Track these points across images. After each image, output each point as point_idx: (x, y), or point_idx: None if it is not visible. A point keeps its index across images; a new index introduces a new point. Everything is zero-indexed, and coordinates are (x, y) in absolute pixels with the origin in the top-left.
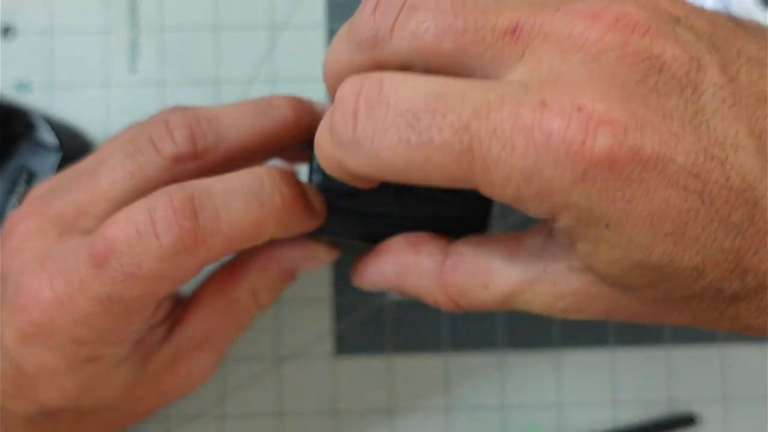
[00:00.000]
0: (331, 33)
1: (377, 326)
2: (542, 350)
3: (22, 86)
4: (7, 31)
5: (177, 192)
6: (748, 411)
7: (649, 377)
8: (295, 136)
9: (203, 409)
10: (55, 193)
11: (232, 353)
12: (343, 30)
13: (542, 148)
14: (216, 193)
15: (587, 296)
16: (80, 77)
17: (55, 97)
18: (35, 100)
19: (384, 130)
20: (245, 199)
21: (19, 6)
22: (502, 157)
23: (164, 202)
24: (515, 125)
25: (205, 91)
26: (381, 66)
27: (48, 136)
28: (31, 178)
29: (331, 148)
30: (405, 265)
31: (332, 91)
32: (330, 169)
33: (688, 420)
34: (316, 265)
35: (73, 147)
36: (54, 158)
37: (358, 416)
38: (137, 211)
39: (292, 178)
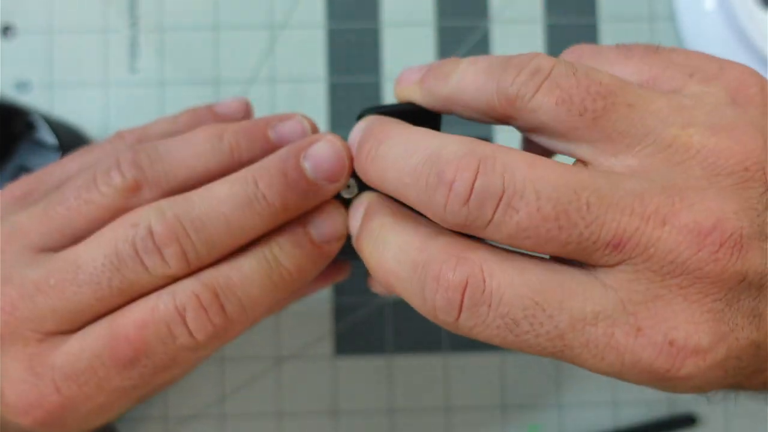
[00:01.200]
0: (331, 33)
1: (377, 326)
2: None
3: (22, 86)
4: (6, 30)
5: (202, 291)
6: (748, 411)
7: None
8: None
9: (203, 409)
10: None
11: (232, 353)
12: (423, 189)
13: (629, 366)
14: (236, 284)
15: None
16: (80, 77)
17: (55, 97)
18: (35, 100)
19: (484, 327)
20: (261, 284)
21: (19, 5)
22: (589, 361)
23: (193, 303)
24: (609, 344)
25: (205, 91)
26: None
27: (48, 136)
28: None
29: (421, 306)
30: None
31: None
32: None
33: (688, 420)
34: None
35: (73, 146)
36: (54, 158)
37: (358, 416)
38: (164, 311)
39: (300, 244)
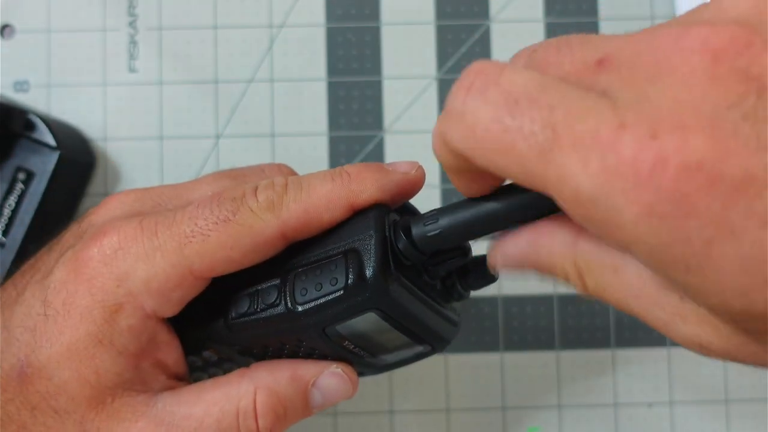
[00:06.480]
0: (331, 32)
1: None
2: (542, 350)
3: (20, 85)
4: (4, 29)
5: None
6: (747, 411)
7: (649, 378)
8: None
9: None
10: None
11: None
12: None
13: (612, 172)
14: None
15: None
16: (78, 76)
17: (53, 96)
18: (33, 99)
19: (486, 105)
20: None
21: (17, 5)
22: (575, 171)
23: None
24: (594, 139)
25: (204, 91)
26: None
27: (46, 136)
28: (28, 178)
29: (439, 121)
30: (539, 233)
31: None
32: (436, 146)
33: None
34: None
35: (71, 146)
36: (53, 158)
37: (359, 416)
38: None
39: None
